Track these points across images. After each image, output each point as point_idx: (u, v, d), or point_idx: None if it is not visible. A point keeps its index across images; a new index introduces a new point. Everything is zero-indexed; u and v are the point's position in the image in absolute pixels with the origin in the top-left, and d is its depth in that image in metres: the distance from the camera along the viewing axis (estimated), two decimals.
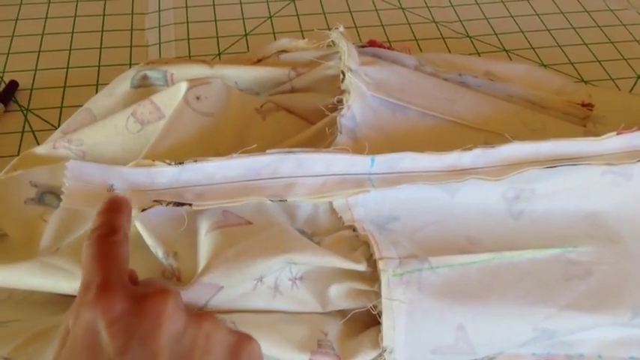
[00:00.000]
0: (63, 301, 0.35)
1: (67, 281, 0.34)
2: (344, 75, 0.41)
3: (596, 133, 0.48)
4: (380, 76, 0.43)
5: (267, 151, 0.35)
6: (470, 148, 0.37)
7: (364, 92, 0.41)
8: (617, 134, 0.38)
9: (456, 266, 0.36)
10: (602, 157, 0.38)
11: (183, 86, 0.39)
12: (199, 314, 0.27)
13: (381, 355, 0.33)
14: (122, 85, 0.45)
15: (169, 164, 0.34)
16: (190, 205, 0.33)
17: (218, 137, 0.40)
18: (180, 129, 0.38)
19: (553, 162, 0.37)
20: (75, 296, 0.27)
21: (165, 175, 0.34)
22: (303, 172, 0.35)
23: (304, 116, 0.43)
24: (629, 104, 0.50)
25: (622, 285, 0.37)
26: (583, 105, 0.47)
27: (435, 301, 0.34)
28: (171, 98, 0.40)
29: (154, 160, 0.34)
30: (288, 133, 0.41)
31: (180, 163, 0.34)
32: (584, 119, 0.47)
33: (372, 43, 0.47)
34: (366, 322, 0.35)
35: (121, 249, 0.28)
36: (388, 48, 0.47)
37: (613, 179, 0.39)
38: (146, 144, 0.39)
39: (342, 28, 0.45)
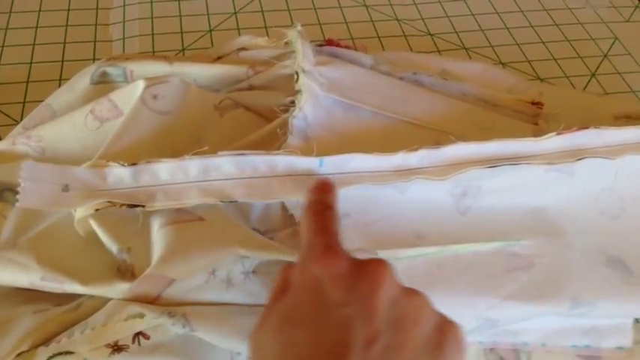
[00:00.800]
0: (20, 294, 0.36)
1: (25, 274, 0.34)
2: (298, 75, 0.42)
3: (548, 130, 0.50)
4: (334, 75, 0.44)
5: (219, 153, 0.36)
6: (416, 149, 0.38)
7: (317, 93, 0.42)
8: (557, 134, 0.40)
9: (404, 259, 0.37)
10: (543, 157, 0.40)
11: (141, 85, 0.40)
12: (412, 289, 0.29)
13: None
14: (82, 81, 0.45)
15: (122, 165, 0.35)
16: (143, 206, 0.34)
17: (176, 135, 0.40)
18: (136, 128, 0.39)
19: (495, 162, 0.39)
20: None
21: (118, 175, 0.35)
22: (253, 174, 0.36)
23: (261, 113, 0.44)
24: (580, 101, 0.52)
25: (563, 277, 0.39)
26: (533, 103, 0.49)
27: None
28: (129, 96, 0.40)
29: (108, 161, 0.35)
30: (245, 131, 0.42)
31: (133, 165, 0.35)
32: (535, 117, 0.49)
33: (329, 42, 0.48)
34: None
35: (336, 223, 0.32)
36: (345, 47, 0.48)
37: (557, 176, 0.41)
38: (104, 141, 0.40)
39: (299, 27, 0.46)
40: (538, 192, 0.41)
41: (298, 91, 0.42)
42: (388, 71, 0.48)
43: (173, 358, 0.32)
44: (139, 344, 0.31)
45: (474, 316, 0.37)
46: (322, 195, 0.34)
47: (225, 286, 0.34)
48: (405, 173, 0.38)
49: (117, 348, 0.31)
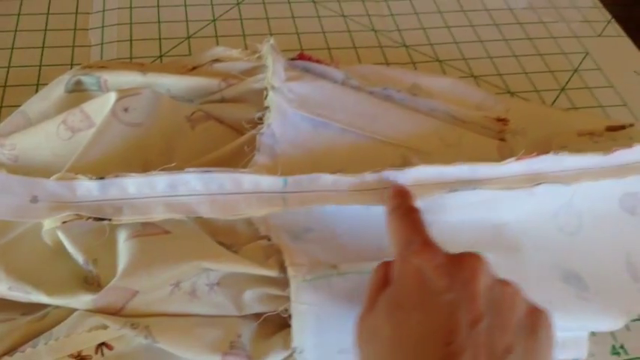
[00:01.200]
0: None
1: None
2: (267, 92, 0.43)
3: (515, 145, 0.52)
4: (304, 91, 0.45)
5: (186, 169, 0.37)
6: (379, 171, 0.39)
7: (285, 110, 0.43)
8: (517, 159, 0.41)
9: (365, 273, 0.38)
10: (502, 181, 0.41)
11: (112, 97, 0.41)
12: (504, 279, 0.32)
13: (291, 355, 0.36)
14: (57, 89, 0.46)
15: (91, 179, 0.36)
16: (110, 219, 0.35)
17: (147, 146, 0.41)
18: (106, 141, 0.40)
19: (455, 185, 0.40)
20: None
21: (86, 188, 0.36)
22: (219, 191, 0.37)
23: (233, 126, 0.45)
24: (546, 117, 0.54)
25: None
26: (498, 120, 0.50)
27: (343, 305, 0.37)
28: (101, 107, 0.41)
29: (76, 174, 0.36)
30: (216, 143, 0.43)
31: (101, 178, 0.36)
32: (500, 132, 0.50)
33: (301, 57, 0.49)
34: (280, 325, 0.37)
35: (424, 223, 0.35)
36: (317, 61, 0.49)
37: (517, 194, 0.42)
38: (76, 151, 0.40)
39: (272, 42, 0.47)
40: (499, 209, 0.42)
41: (267, 108, 0.43)
42: (359, 86, 0.49)
43: None
44: (102, 354, 0.32)
45: None
46: (404, 199, 0.38)
47: (189, 297, 0.35)
48: (367, 194, 0.39)
49: (80, 358, 0.32)
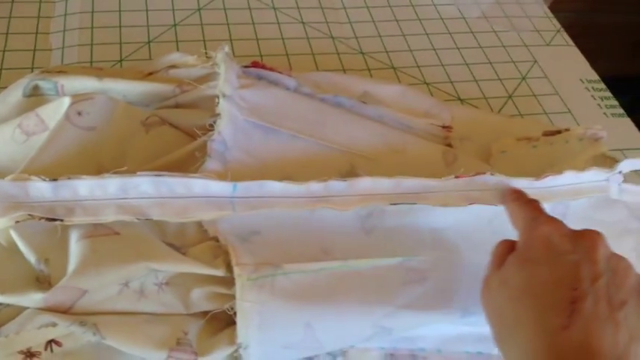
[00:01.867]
0: None
1: None
2: (218, 99, 0.45)
3: (463, 149, 0.54)
4: (256, 99, 0.47)
5: (137, 173, 0.39)
6: (325, 180, 0.42)
7: (236, 117, 0.45)
8: (456, 177, 0.44)
9: (308, 272, 0.40)
10: (440, 197, 0.43)
11: (66, 102, 0.42)
12: (620, 255, 0.37)
13: (236, 351, 0.38)
14: (14, 93, 0.47)
15: (43, 180, 0.37)
16: (62, 220, 0.37)
17: (100, 150, 0.43)
18: (60, 144, 0.41)
19: (395, 198, 0.42)
20: None
21: (39, 189, 0.37)
22: (169, 194, 0.39)
23: (186, 131, 0.46)
24: (488, 123, 0.57)
25: (454, 289, 0.43)
26: (443, 127, 0.53)
27: (286, 303, 0.39)
28: (55, 111, 0.42)
29: (29, 175, 0.37)
30: (169, 148, 0.44)
31: (53, 180, 0.37)
32: (446, 139, 0.53)
33: (255, 64, 0.51)
34: (226, 322, 0.39)
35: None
36: (270, 69, 0.51)
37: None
38: (31, 154, 0.42)
39: (226, 49, 0.49)
40: (438, 215, 0.45)
41: (218, 115, 0.44)
42: (310, 93, 0.51)
43: None
44: (52, 351, 0.34)
45: (370, 324, 0.40)
46: (521, 193, 0.44)
47: (137, 296, 0.37)
48: (313, 202, 0.41)
49: (29, 355, 0.33)
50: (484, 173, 0.44)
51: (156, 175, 0.39)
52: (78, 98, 0.43)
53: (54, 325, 0.34)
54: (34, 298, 0.35)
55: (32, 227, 0.37)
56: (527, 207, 0.41)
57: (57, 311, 0.35)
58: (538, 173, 0.52)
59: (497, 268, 0.39)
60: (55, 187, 0.38)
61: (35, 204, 0.37)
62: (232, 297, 0.38)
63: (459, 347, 0.45)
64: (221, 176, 0.41)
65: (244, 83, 0.47)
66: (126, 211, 0.38)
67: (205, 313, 0.39)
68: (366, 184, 0.42)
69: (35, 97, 0.47)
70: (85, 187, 0.38)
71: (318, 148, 0.47)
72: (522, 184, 0.45)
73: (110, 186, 0.38)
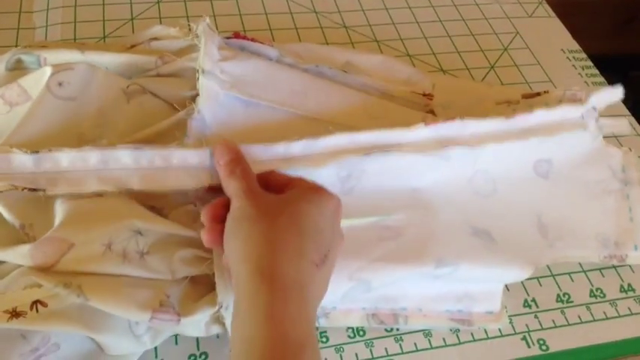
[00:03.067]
0: None
1: None
2: (198, 75, 0.45)
3: (445, 116, 0.55)
4: (237, 70, 0.47)
5: (118, 145, 0.40)
6: (297, 139, 0.42)
7: (217, 93, 0.45)
8: (426, 125, 0.45)
9: None
10: (413, 145, 0.44)
11: (47, 71, 0.43)
12: None
13: (217, 311, 0.39)
14: None
15: (25, 152, 0.38)
16: (44, 190, 0.37)
17: (81, 120, 0.43)
18: (41, 115, 0.41)
19: (369, 150, 0.43)
20: None
21: (21, 161, 0.38)
22: (149, 166, 0.40)
23: (168, 100, 0.47)
24: (470, 89, 0.58)
25: (428, 242, 0.44)
26: (424, 95, 0.54)
27: None
28: (37, 82, 0.43)
29: (11, 147, 0.38)
30: (151, 117, 0.45)
31: (35, 152, 0.38)
32: (427, 106, 0.54)
33: (236, 35, 0.51)
34: (208, 286, 0.40)
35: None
36: (252, 40, 0.51)
37: (433, 161, 0.46)
38: (14, 124, 0.42)
39: (207, 21, 0.49)
40: (416, 175, 0.46)
41: (197, 91, 0.45)
42: (292, 63, 0.51)
43: (69, 325, 0.35)
44: (37, 311, 0.34)
45: (347, 277, 0.42)
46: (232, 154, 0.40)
47: (121, 260, 0.38)
48: (288, 161, 0.42)
49: (15, 314, 0.34)
50: (453, 119, 0.45)
51: (135, 148, 0.40)
52: (59, 68, 0.43)
53: (39, 286, 0.35)
54: (20, 251, 0.36)
55: (15, 195, 0.38)
56: (239, 179, 0.39)
57: (42, 267, 0.36)
58: None
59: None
60: (36, 159, 0.38)
61: (17, 175, 0.38)
62: (212, 260, 0.39)
63: (439, 306, 0.46)
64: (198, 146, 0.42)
65: (225, 55, 0.47)
66: (107, 182, 0.39)
67: (185, 277, 0.40)
68: (337, 139, 0.43)
69: (18, 71, 0.47)
70: (66, 158, 0.39)
71: (298, 120, 0.48)
72: (494, 124, 0.46)
73: (91, 158, 0.39)
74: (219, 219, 0.37)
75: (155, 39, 0.51)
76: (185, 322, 0.38)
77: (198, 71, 0.45)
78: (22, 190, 0.37)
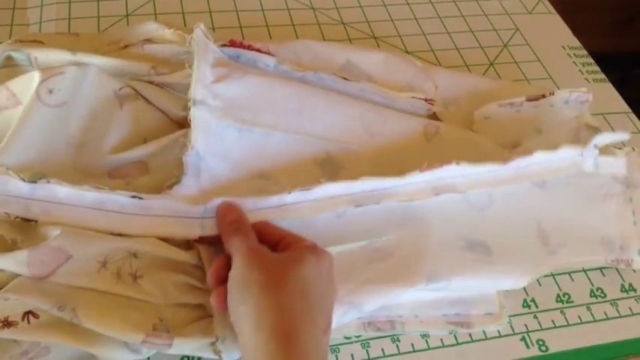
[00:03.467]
0: None
1: None
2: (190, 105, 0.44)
3: (448, 115, 0.54)
4: (230, 92, 0.46)
5: (117, 191, 0.40)
6: (289, 191, 0.42)
7: (209, 123, 0.44)
8: (421, 171, 0.45)
9: None
10: (406, 192, 0.45)
11: (36, 78, 0.42)
12: None
13: (213, 343, 0.38)
14: None
15: (22, 179, 0.38)
16: (36, 221, 0.37)
17: (72, 123, 0.43)
18: (31, 126, 0.41)
19: (361, 199, 0.44)
20: None
21: (17, 187, 0.38)
22: (145, 213, 0.40)
23: (161, 108, 0.46)
24: (473, 86, 0.57)
25: (419, 260, 0.44)
26: (426, 100, 0.53)
27: None
28: (26, 86, 0.42)
29: (8, 169, 0.38)
30: (145, 125, 0.45)
31: (33, 182, 0.38)
32: (428, 110, 0.53)
33: (232, 44, 0.50)
34: (201, 310, 0.40)
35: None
36: (248, 47, 0.50)
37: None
38: (5, 128, 0.42)
39: (202, 27, 0.47)
40: None
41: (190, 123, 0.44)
42: (289, 71, 0.50)
43: (60, 337, 0.35)
44: (29, 322, 0.34)
45: (337, 302, 0.40)
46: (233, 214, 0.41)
47: (115, 279, 0.38)
48: (282, 211, 0.42)
49: (7, 324, 0.34)
50: (449, 163, 0.45)
51: (133, 196, 0.40)
52: (48, 74, 0.42)
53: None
54: (18, 257, 0.35)
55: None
56: (239, 236, 0.39)
57: (37, 276, 0.35)
58: (523, 137, 0.52)
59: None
60: (33, 188, 0.38)
61: (11, 198, 0.38)
62: (207, 292, 0.39)
63: (435, 311, 0.45)
64: (194, 200, 0.42)
65: (219, 74, 0.46)
66: (100, 223, 0.39)
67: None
68: (330, 188, 0.43)
69: (9, 69, 0.47)
70: (63, 193, 0.39)
71: (294, 141, 0.47)
72: (490, 169, 0.46)
73: (88, 196, 0.39)
74: (223, 280, 0.37)
75: (149, 40, 0.50)
76: (177, 344, 0.38)
77: (189, 100, 0.44)
78: (15, 218, 0.38)
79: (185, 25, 0.61)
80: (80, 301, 0.36)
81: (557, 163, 0.48)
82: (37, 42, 0.48)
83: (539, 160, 0.47)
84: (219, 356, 0.38)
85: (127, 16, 0.63)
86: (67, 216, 0.38)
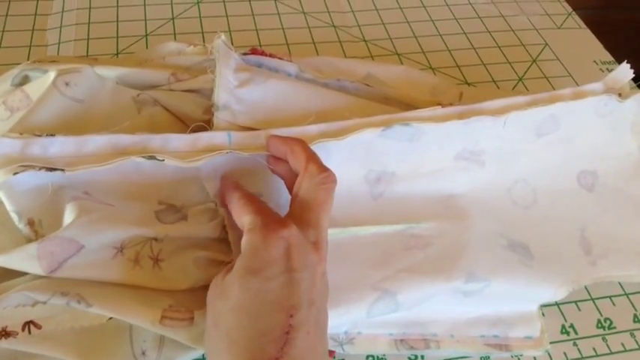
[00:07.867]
0: None
1: None
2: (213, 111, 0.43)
3: None
4: (253, 96, 0.44)
5: (137, 133, 0.38)
6: (315, 122, 0.42)
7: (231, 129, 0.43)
8: (442, 107, 0.43)
9: None
10: (433, 119, 0.43)
11: (52, 74, 0.41)
12: None
13: None
14: (3, 85, 0.46)
15: (39, 136, 0.36)
16: (63, 170, 0.35)
17: (88, 123, 0.41)
18: (46, 111, 0.39)
19: (390, 122, 0.41)
20: None
21: (35, 145, 0.36)
22: (171, 149, 0.38)
23: (179, 116, 0.44)
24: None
25: (459, 253, 0.41)
26: (451, 105, 0.50)
27: None
28: (41, 86, 0.41)
29: (21, 134, 0.36)
30: (162, 130, 0.42)
31: (51, 135, 0.36)
32: None
33: (254, 52, 0.49)
34: None
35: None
36: (270, 55, 0.49)
37: (466, 165, 0.43)
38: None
39: (223, 37, 0.46)
40: (449, 180, 0.44)
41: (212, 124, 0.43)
42: (312, 78, 0.48)
43: (63, 351, 0.32)
44: (29, 332, 0.32)
45: (370, 286, 0.39)
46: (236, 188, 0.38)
47: (132, 265, 0.35)
48: (305, 137, 0.40)
49: (5, 334, 0.31)
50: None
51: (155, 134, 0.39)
52: (64, 71, 0.41)
53: (33, 304, 0.32)
54: (28, 251, 0.33)
55: (22, 186, 0.35)
56: (251, 203, 0.35)
57: (47, 269, 0.33)
58: None
59: (228, 270, 0.33)
60: (52, 142, 0.37)
61: (30, 159, 0.36)
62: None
63: (473, 331, 0.42)
64: None
65: (242, 79, 0.45)
66: (130, 152, 0.37)
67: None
68: (356, 122, 0.41)
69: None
70: (82, 141, 0.37)
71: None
72: (514, 99, 0.44)
73: (109, 141, 0.37)
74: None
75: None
76: (199, 317, 0.35)
77: (212, 106, 0.43)
78: (40, 169, 0.35)
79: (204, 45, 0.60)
80: (86, 289, 0.34)
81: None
82: (55, 62, 0.47)
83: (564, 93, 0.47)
84: None
85: (146, 36, 0.62)
86: (90, 162, 0.36)
